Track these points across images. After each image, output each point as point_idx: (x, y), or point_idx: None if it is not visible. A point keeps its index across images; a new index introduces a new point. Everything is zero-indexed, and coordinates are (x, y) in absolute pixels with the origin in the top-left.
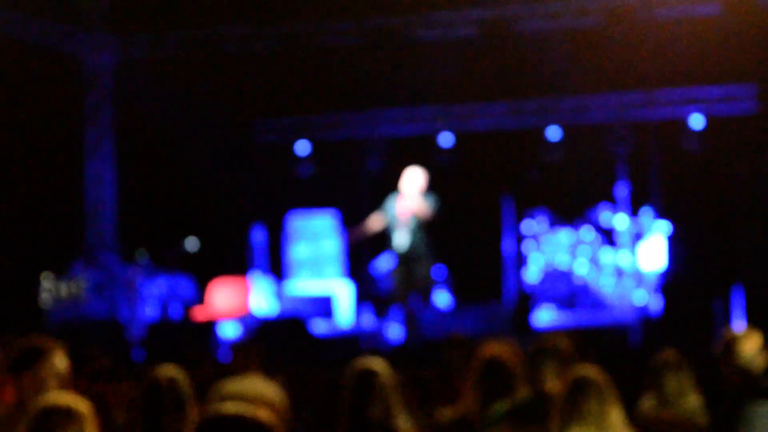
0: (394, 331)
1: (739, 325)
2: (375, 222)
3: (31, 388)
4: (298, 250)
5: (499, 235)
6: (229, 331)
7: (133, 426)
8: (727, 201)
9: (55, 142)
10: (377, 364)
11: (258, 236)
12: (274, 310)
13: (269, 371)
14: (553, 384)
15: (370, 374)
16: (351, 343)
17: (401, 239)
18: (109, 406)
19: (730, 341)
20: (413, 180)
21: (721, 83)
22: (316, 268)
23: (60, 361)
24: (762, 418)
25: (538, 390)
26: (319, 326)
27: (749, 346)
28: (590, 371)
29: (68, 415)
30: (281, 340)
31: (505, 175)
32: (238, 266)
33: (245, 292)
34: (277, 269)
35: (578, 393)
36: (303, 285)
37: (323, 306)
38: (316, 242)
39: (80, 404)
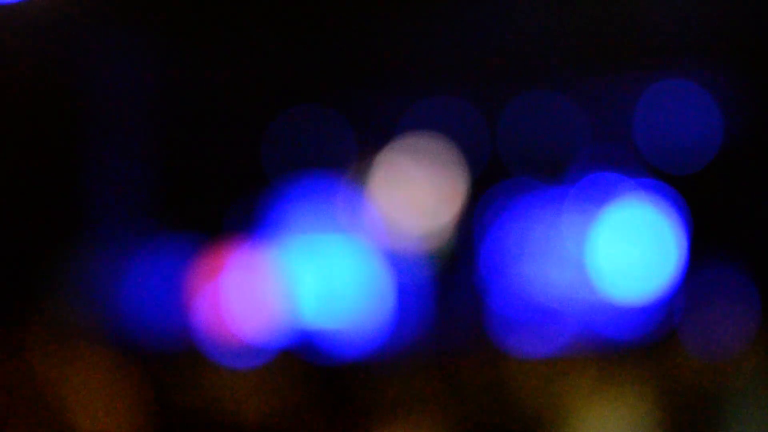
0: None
1: (746, 324)
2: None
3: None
4: (302, 216)
5: (491, 231)
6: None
7: None
8: (733, 197)
9: (59, 125)
10: (383, 367)
11: (261, 201)
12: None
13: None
14: (546, 394)
15: (377, 377)
16: (353, 361)
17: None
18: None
19: (738, 341)
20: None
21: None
22: (322, 238)
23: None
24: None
25: (529, 401)
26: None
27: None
28: (585, 381)
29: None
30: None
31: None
32: (239, 232)
33: (241, 264)
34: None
35: (576, 403)
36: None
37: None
38: (323, 209)
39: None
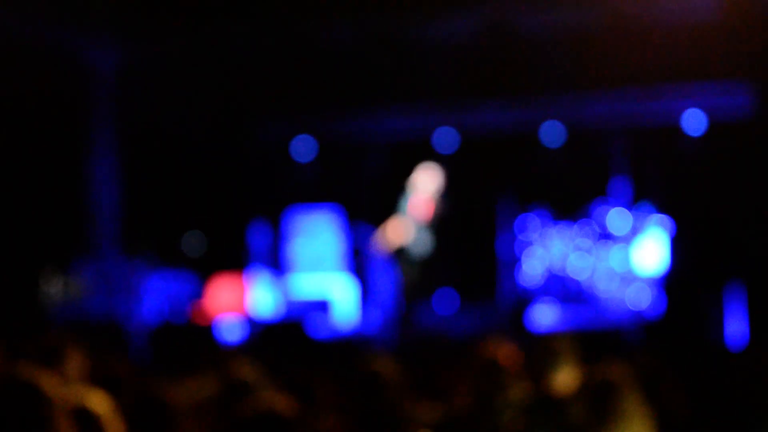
0: (392, 330)
1: (739, 326)
2: (399, 228)
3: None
4: (298, 247)
5: (496, 234)
6: (230, 333)
7: None
8: (729, 198)
9: (58, 140)
10: (385, 365)
11: (258, 232)
12: (273, 308)
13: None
14: (558, 385)
15: (379, 375)
16: (350, 344)
17: (416, 240)
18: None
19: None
20: (433, 180)
21: (720, 84)
22: (317, 265)
23: (81, 360)
24: None
25: (543, 391)
26: (317, 329)
27: None
28: (614, 372)
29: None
30: (280, 343)
31: (502, 174)
32: (238, 263)
33: (244, 289)
34: (278, 266)
35: (603, 394)
36: (303, 283)
37: (321, 309)
38: (317, 238)
39: (102, 405)
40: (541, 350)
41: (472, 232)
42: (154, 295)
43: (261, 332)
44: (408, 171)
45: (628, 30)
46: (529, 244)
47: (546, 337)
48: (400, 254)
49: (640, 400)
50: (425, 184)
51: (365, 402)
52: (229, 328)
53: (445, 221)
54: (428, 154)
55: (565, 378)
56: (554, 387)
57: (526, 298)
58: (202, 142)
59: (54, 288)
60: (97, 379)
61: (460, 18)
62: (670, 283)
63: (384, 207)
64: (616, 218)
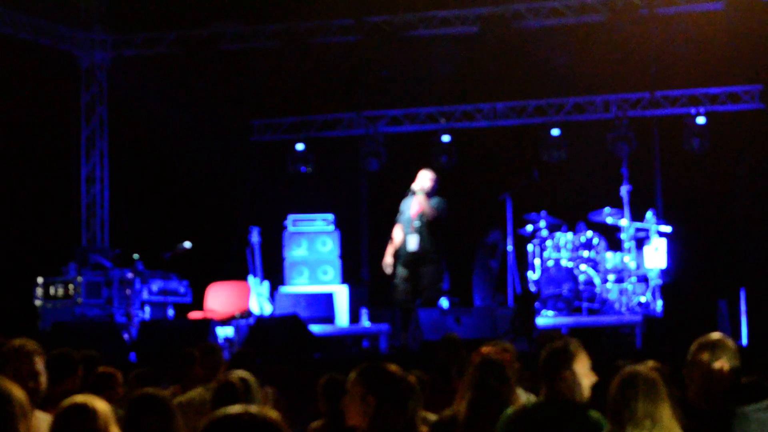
0: (394, 333)
1: (739, 327)
2: (398, 233)
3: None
4: (295, 253)
5: (496, 235)
6: (227, 331)
7: None
8: (730, 202)
9: (50, 141)
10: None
11: (255, 238)
12: (271, 310)
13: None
14: (572, 385)
15: (399, 380)
16: (351, 343)
17: (410, 241)
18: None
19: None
20: (420, 180)
21: (724, 82)
22: (313, 271)
23: (38, 364)
24: (754, 421)
25: (553, 393)
26: (317, 325)
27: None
28: (640, 368)
29: (88, 414)
30: (279, 337)
31: (505, 175)
32: (234, 269)
33: (242, 295)
34: (277, 268)
35: (630, 390)
36: (299, 288)
37: (322, 304)
38: (313, 244)
39: (98, 403)
40: (552, 351)
41: (472, 233)
42: (149, 296)
43: (259, 334)
44: (406, 174)
45: (630, 31)
46: (531, 245)
47: (556, 338)
48: (398, 256)
49: (667, 396)
50: (417, 184)
51: (390, 406)
52: (227, 329)
53: (438, 222)
54: (427, 155)
55: (579, 378)
56: (568, 388)
57: (527, 299)
58: (199, 145)
59: (49, 290)
60: (92, 380)
61: (458, 19)
62: (671, 284)
63: (382, 211)
64: (618, 220)
